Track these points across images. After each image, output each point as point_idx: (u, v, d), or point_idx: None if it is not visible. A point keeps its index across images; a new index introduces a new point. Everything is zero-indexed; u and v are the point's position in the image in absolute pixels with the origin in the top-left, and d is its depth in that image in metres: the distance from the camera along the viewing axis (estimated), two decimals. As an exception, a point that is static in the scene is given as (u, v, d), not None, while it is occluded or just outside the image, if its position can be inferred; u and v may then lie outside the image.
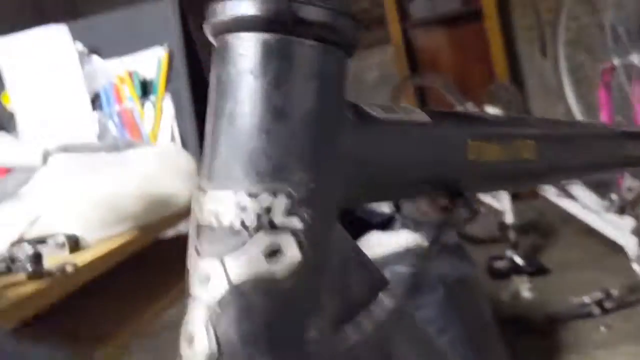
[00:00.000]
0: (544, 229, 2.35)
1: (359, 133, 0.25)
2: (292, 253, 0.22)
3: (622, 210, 1.90)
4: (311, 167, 0.23)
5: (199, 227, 0.23)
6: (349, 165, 0.24)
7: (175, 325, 0.25)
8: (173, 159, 1.03)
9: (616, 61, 1.92)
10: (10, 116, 1.24)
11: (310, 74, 0.23)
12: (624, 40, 1.89)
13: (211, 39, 0.25)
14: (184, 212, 1.03)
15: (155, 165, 0.99)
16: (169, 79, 1.19)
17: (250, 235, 0.22)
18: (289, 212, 0.22)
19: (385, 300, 0.26)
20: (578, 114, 2.18)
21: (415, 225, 1.66)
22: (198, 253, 0.23)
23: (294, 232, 0.22)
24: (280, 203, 0.22)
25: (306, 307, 0.22)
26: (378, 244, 1.55)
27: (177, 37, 1.18)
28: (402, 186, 0.28)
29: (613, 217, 1.93)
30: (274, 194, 0.22)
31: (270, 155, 0.22)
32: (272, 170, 0.22)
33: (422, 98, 2.77)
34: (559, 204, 2.09)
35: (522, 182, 0.38)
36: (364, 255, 0.26)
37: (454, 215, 0.29)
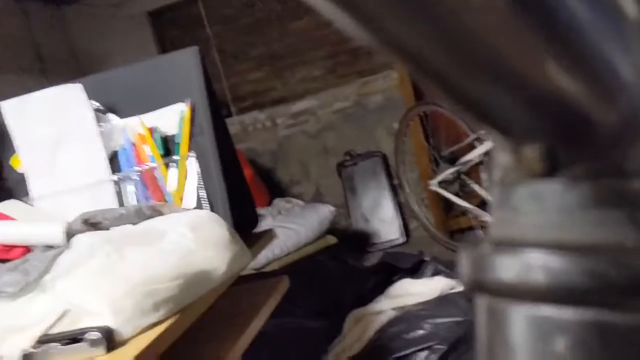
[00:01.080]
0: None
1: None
2: None
3: None
4: None
5: None
6: None
7: None
8: (206, 229, 0.94)
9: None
10: (21, 179, 1.16)
11: None
12: None
13: (482, 297, 0.16)
14: (222, 286, 0.95)
15: (190, 239, 0.90)
16: (192, 136, 1.10)
17: None
18: None
19: None
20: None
21: (446, 267, 1.58)
22: None
23: None
24: None
25: None
26: (411, 291, 1.47)
27: (199, 90, 1.10)
28: None
29: None
30: None
31: None
32: None
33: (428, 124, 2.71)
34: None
35: None
36: None
37: None
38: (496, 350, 0.16)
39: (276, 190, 3.00)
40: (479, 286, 0.16)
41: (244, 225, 1.16)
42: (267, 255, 2.05)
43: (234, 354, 0.98)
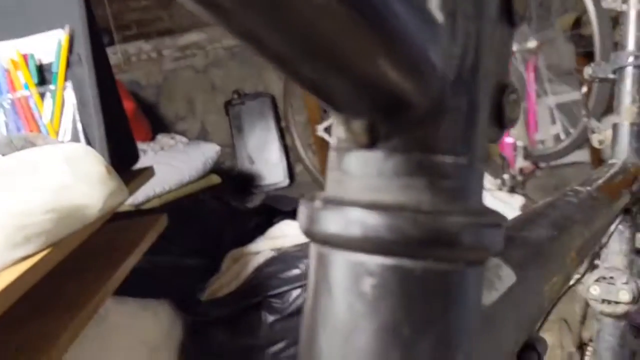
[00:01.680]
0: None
1: (479, 342, 0.21)
2: None
3: (512, 189, 2.00)
4: None
5: None
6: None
7: None
8: (82, 163, 0.92)
9: (514, 46, 1.98)
10: None
11: (460, 305, 0.18)
12: (521, 27, 1.96)
13: (313, 245, 0.19)
14: (97, 221, 0.94)
15: (65, 173, 0.88)
16: (69, 65, 1.06)
17: None
18: None
19: None
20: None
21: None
22: None
23: None
24: None
25: None
26: (290, 233, 1.52)
27: (79, 16, 1.05)
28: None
29: (504, 195, 2.03)
30: None
31: None
32: None
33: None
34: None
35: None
36: None
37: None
38: (320, 290, 0.19)
39: (159, 125, 2.93)
40: (310, 235, 0.19)
41: (122, 160, 1.15)
42: (148, 192, 2.02)
43: (106, 289, 0.99)
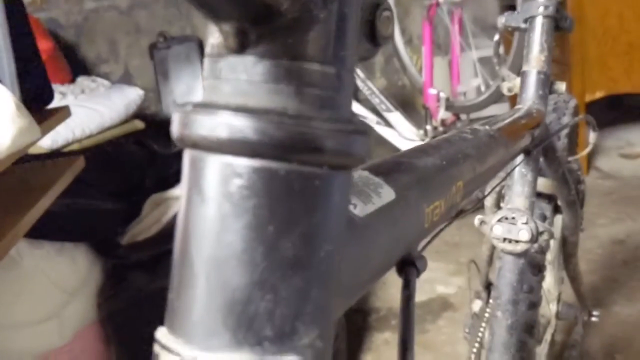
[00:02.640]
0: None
1: (349, 247, 0.22)
2: None
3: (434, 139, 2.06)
4: (323, 323, 0.20)
5: None
6: (341, 290, 0.22)
7: None
8: (-11, 99, 0.88)
9: (440, -2, 2.00)
10: None
11: (323, 208, 0.19)
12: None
13: (186, 151, 0.20)
14: (7, 160, 0.91)
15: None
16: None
17: None
18: None
19: None
20: (401, 46, 2.28)
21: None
22: None
23: None
24: None
25: None
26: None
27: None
28: (374, 273, 0.26)
29: (426, 146, 2.08)
30: None
31: (275, 318, 0.18)
32: (278, 336, 0.19)
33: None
34: (376, 130, 2.19)
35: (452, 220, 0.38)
36: None
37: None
38: (192, 194, 0.20)
39: (80, 68, 2.80)
40: (182, 140, 0.20)
41: (35, 99, 1.10)
42: (67, 136, 1.95)
43: (17, 231, 0.96)
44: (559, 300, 1.11)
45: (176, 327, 0.20)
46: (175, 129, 0.20)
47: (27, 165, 1.25)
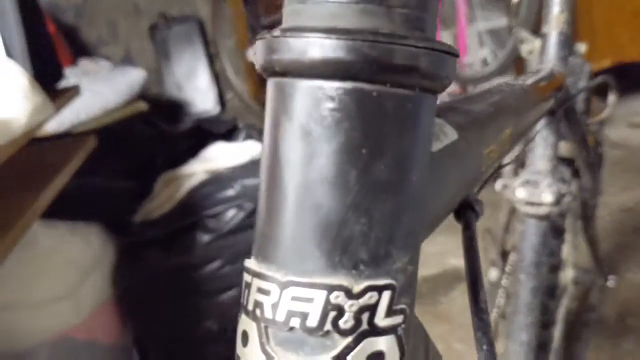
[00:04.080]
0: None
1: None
2: (393, 355, 0.19)
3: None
4: (413, 247, 0.19)
5: (267, 323, 0.19)
6: (426, 218, 0.21)
7: None
8: (4, 76, 0.88)
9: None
10: None
11: (414, 131, 0.19)
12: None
13: (271, 81, 0.19)
14: (23, 138, 0.91)
15: (-15, 85, 0.84)
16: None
17: (348, 341, 0.18)
18: (391, 310, 0.19)
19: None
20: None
21: (259, 134, 1.64)
22: (268, 356, 0.19)
23: (396, 332, 0.19)
24: (384, 301, 0.19)
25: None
26: (223, 155, 1.51)
27: None
28: (445, 209, 0.26)
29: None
30: (377, 290, 0.18)
31: (370, 241, 0.18)
32: (373, 260, 0.18)
33: None
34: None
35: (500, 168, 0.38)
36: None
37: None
38: (279, 122, 0.19)
39: (81, 51, 2.78)
40: (269, 68, 0.19)
41: (46, 77, 1.09)
42: (72, 119, 1.94)
43: (34, 210, 0.96)
44: (575, 266, 1.12)
45: (268, 255, 0.19)
46: (260, 57, 0.19)
47: (40, 146, 1.25)
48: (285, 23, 0.20)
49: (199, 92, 2.87)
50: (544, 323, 0.79)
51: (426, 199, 0.21)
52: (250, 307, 0.20)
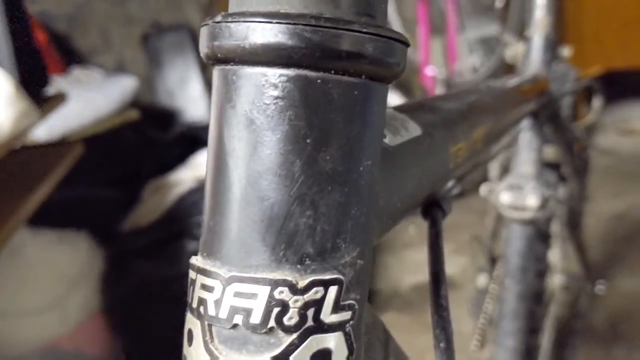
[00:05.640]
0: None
1: (382, 172, 0.22)
2: (341, 353, 0.18)
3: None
4: (364, 241, 0.19)
5: (210, 321, 0.19)
6: (379, 212, 0.21)
7: None
8: (-13, 82, 0.87)
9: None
10: None
11: (362, 120, 0.19)
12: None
13: (213, 66, 0.19)
14: (8, 144, 0.90)
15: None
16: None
17: (293, 339, 0.18)
18: (339, 306, 0.18)
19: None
20: (397, 26, 2.26)
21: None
22: (212, 355, 0.18)
23: (344, 329, 0.18)
24: (330, 296, 0.18)
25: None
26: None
27: None
28: (406, 205, 0.25)
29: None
30: (323, 285, 0.18)
31: (316, 234, 0.18)
32: (319, 254, 0.18)
33: None
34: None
35: (474, 168, 0.38)
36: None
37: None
38: (224, 111, 0.19)
39: (73, 59, 2.78)
40: (212, 55, 0.19)
41: (32, 83, 1.09)
42: (63, 128, 1.93)
43: (19, 217, 0.95)
44: (563, 272, 1.11)
45: (212, 250, 0.19)
46: (203, 44, 0.19)
47: (27, 152, 1.24)
48: (230, 9, 0.19)
49: (191, 100, 2.86)
50: (531, 329, 0.79)
51: (380, 192, 0.20)
52: (194, 304, 0.19)
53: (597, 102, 0.84)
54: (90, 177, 1.43)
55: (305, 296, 0.17)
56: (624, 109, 2.65)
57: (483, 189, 0.78)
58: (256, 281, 0.18)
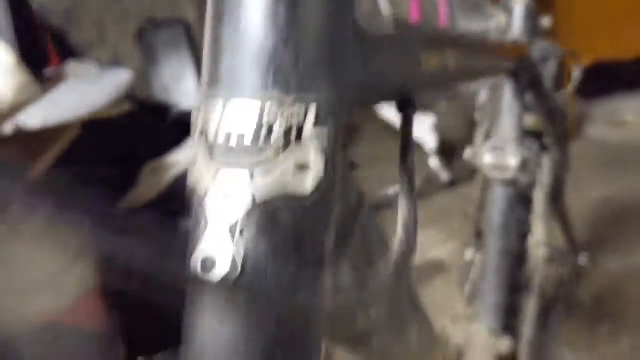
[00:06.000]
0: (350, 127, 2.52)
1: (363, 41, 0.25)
2: (317, 167, 0.22)
3: (425, 108, 2.09)
4: (337, 76, 0.22)
5: (211, 139, 0.22)
6: (354, 70, 0.24)
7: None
8: (-11, 53, 0.90)
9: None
10: None
11: None
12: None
13: None
14: (8, 112, 0.93)
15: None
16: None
17: (278, 150, 0.21)
18: (317, 126, 0.22)
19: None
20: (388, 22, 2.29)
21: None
22: (211, 168, 0.22)
23: (321, 146, 0.22)
24: (310, 116, 0.21)
25: (326, 221, 0.23)
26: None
27: None
28: (378, 89, 0.29)
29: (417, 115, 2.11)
30: (305, 105, 0.21)
31: (298, 65, 0.21)
32: (301, 80, 0.21)
33: None
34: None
35: (445, 88, 0.41)
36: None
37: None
38: None
39: (69, 53, 2.80)
40: None
41: (32, 60, 1.12)
42: (58, 119, 1.96)
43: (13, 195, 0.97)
44: (547, 244, 1.14)
45: (213, 80, 0.22)
46: None
47: (23, 133, 1.26)
48: None
49: (186, 95, 2.89)
50: (512, 286, 0.82)
51: (355, 67, 0.24)
52: (199, 130, 0.22)
53: (576, 72, 0.88)
54: (88, 157, 1.46)
55: (289, 113, 0.21)
56: (613, 101, 2.70)
57: (467, 153, 0.81)
58: (249, 102, 0.21)
